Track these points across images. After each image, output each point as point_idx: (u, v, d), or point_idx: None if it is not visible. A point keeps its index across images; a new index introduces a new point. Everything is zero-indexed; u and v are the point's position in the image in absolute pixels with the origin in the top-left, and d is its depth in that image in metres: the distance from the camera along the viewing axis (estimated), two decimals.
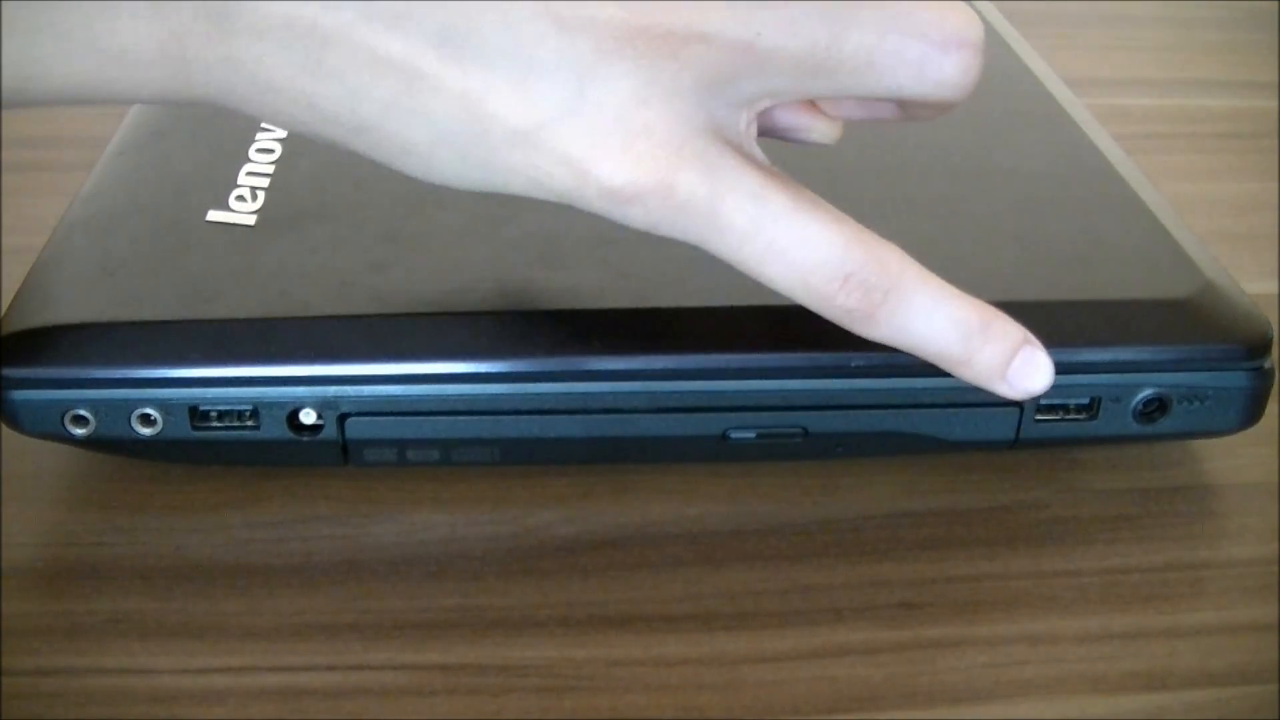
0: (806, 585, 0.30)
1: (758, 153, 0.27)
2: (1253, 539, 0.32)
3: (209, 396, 0.30)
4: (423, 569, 0.30)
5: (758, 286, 0.30)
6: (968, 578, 0.30)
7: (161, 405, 0.30)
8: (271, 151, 0.36)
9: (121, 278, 0.31)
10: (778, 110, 0.29)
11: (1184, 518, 0.32)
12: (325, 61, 0.24)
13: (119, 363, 0.29)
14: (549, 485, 0.33)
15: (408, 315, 0.30)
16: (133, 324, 0.30)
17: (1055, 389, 0.29)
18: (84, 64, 0.25)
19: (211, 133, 0.37)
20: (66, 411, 0.30)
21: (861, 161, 0.35)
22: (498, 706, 0.27)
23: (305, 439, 0.31)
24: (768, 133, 0.29)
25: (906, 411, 0.31)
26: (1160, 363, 0.31)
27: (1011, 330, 0.28)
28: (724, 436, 0.31)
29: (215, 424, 0.30)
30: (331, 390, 0.30)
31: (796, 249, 0.26)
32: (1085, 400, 0.31)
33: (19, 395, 0.30)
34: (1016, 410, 0.31)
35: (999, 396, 0.30)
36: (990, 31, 0.45)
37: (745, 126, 0.27)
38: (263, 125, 0.37)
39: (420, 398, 0.30)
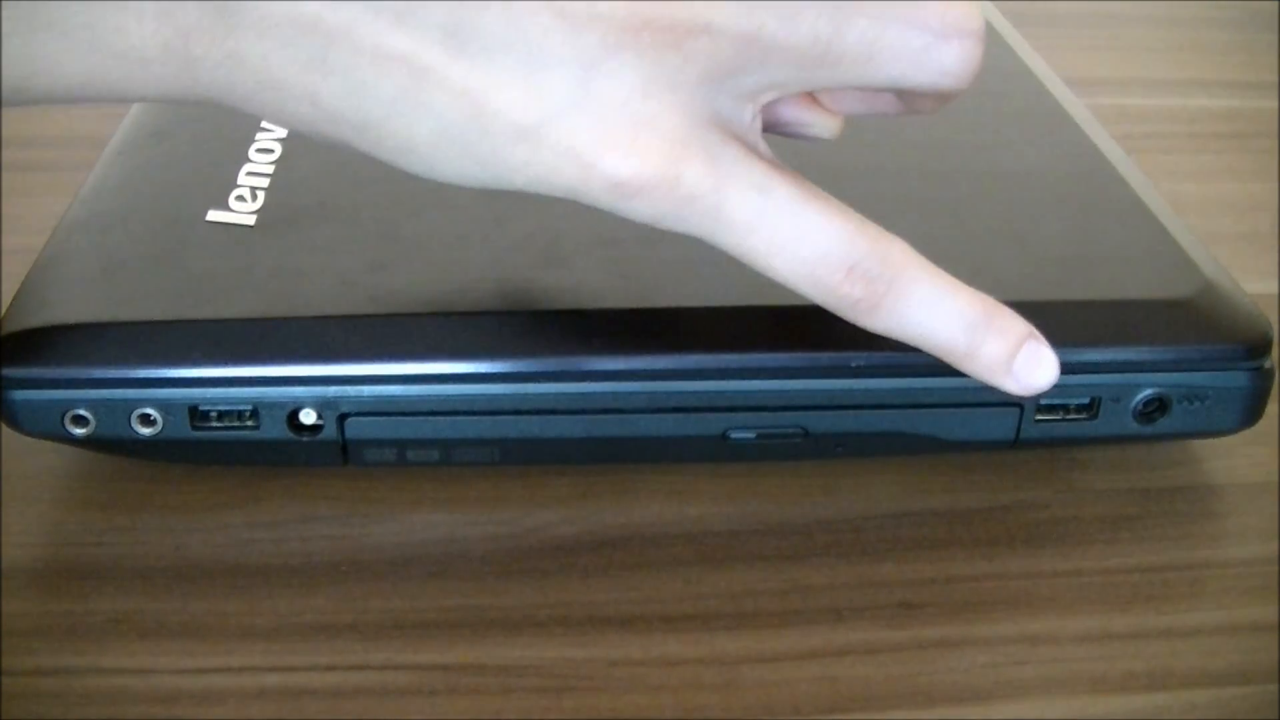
0: (806, 585, 0.30)
1: (762, 146, 0.27)
2: (1253, 539, 0.32)
3: (209, 396, 0.30)
4: (423, 569, 0.30)
5: (758, 286, 0.30)
6: (968, 578, 0.30)
7: (161, 405, 0.30)
8: (271, 151, 0.36)
9: (121, 278, 0.31)
10: (779, 105, 0.29)
11: (1184, 518, 0.32)
12: (329, 58, 0.25)
13: (119, 363, 0.29)
14: (549, 485, 0.33)
15: (408, 315, 0.30)
16: (133, 324, 0.30)
17: (1055, 389, 0.29)
18: (88, 61, 0.25)
19: (211, 133, 0.37)
20: (66, 411, 0.30)
21: (861, 161, 0.35)
22: (498, 706, 0.27)
23: (305, 439, 0.31)
24: (769, 129, 0.29)
25: (906, 411, 0.31)
26: (1160, 363, 0.31)
27: (1016, 324, 0.28)
28: (724, 436, 0.31)
29: (215, 424, 0.30)
30: (331, 390, 0.30)
31: (802, 240, 0.26)
32: (1085, 400, 0.31)
33: (19, 395, 0.30)
34: (1016, 410, 0.31)
35: (1001, 396, 0.30)
36: (990, 31, 0.45)
37: (750, 120, 0.27)
38: (263, 125, 0.37)
39: (420, 398, 0.30)
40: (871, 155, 0.36)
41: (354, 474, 0.32)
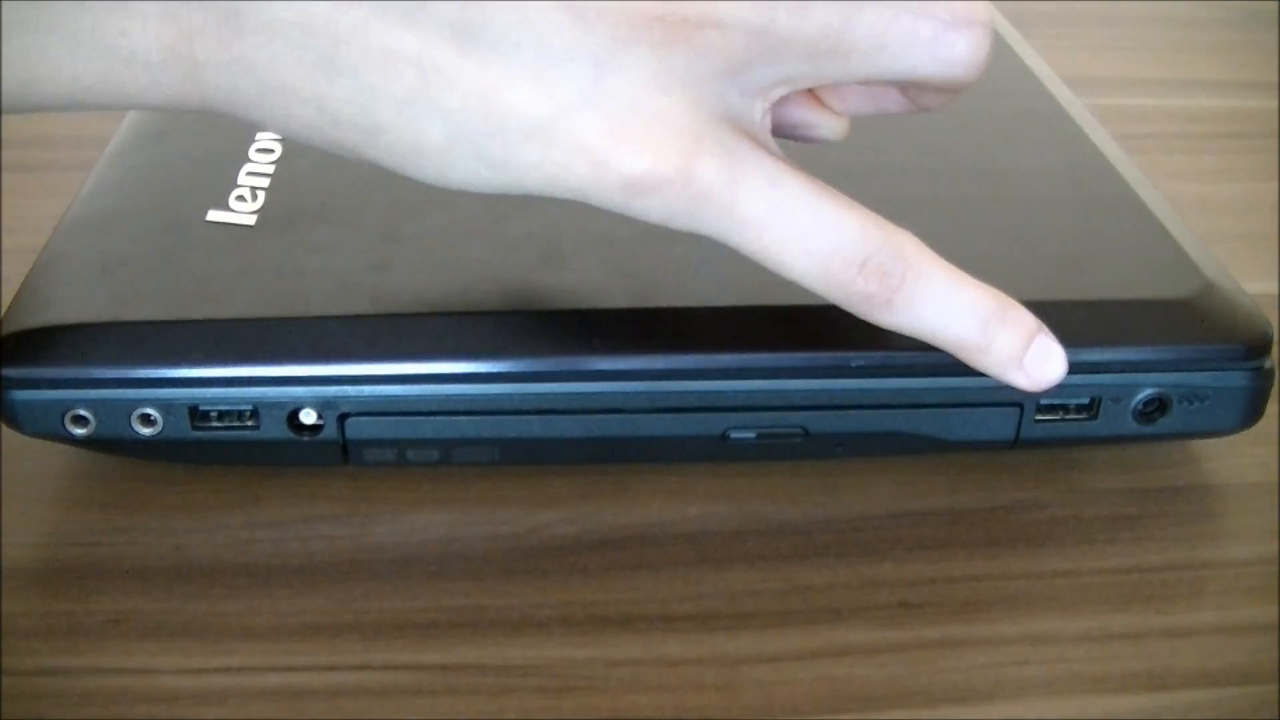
0: (806, 585, 0.30)
1: (772, 143, 0.27)
2: (1253, 539, 0.32)
3: (209, 396, 0.30)
4: (423, 569, 0.30)
5: (758, 286, 0.30)
6: (968, 578, 0.30)
7: (161, 405, 0.30)
8: (271, 151, 0.36)
9: (121, 278, 0.31)
10: (786, 107, 0.29)
11: (1184, 518, 0.32)
12: (338, 60, 0.24)
13: (119, 363, 0.29)
14: (549, 485, 0.33)
15: (408, 315, 0.30)
16: (133, 324, 0.30)
17: (1055, 389, 0.29)
18: (92, 65, 0.24)
19: (211, 133, 0.37)
20: (66, 411, 0.30)
21: (862, 162, 0.35)
22: (498, 706, 0.27)
23: (305, 439, 0.31)
24: (776, 132, 0.29)
25: (906, 411, 0.31)
26: (1160, 363, 0.31)
27: (1026, 318, 0.28)
28: (724, 436, 0.31)
29: (215, 424, 0.30)
30: (331, 390, 0.30)
31: (815, 234, 0.26)
32: (1085, 400, 0.31)
33: (19, 395, 0.30)
34: (1016, 410, 0.31)
35: (1001, 396, 0.30)
36: None
37: (760, 117, 0.27)
38: (265, 129, 0.37)
39: (420, 398, 0.30)
40: (872, 156, 0.36)
41: (354, 474, 0.32)
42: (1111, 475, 0.33)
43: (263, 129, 0.25)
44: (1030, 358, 0.28)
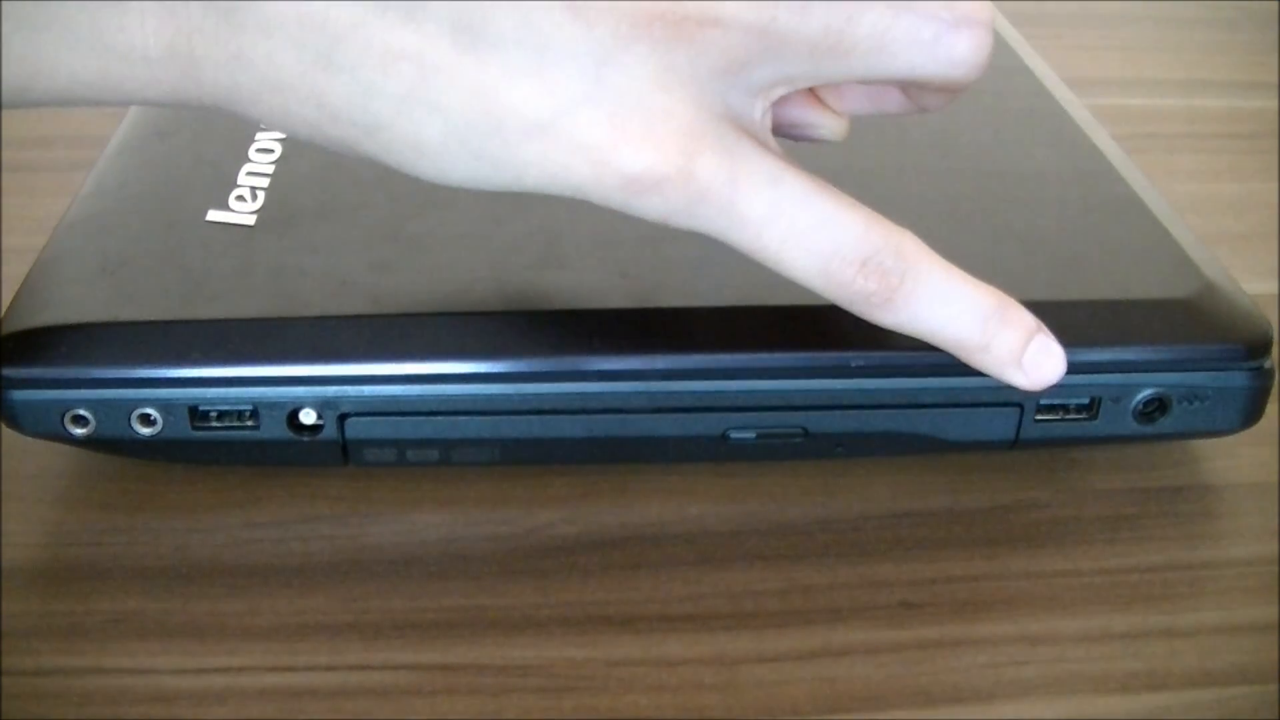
0: (806, 585, 0.30)
1: (772, 142, 0.27)
2: (1253, 539, 0.32)
3: (209, 396, 0.30)
4: (423, 569, 0.30)
5: (758, 286, 0.30)
6: (968, 578, 0.30)
7: (161, 405, 0.30)
8: (271, 151, 0.36)
9: (121, 278, 0.31)
10: (786, 107, 0.29)
11: (1184, 518, 0.32)
12: (337, 57, 0.24)
13: (119, 363, 0.29)
14: (549, 485, 0.33)
15: (408, 315, 0.30)
16: (133, 324, 0.30)
17: (1055, 389, 0.29)
18: (91, 61, 0.24)
19: (211, 133, 0.37)
20: (66, 411, 0.30)
21: (862, 162, 0.35)
22: (498, 706, 0.27)
23: (305, 439, 0.31)
24: (776, 132, 0.29)
25: (906, 411, 0.31)
26: (1160, 363, 0.31)
27: (1026, 317, 0.28)
28: (724, 436, 0.31)
29: (215, 424, 0.30)
30: (331, 390, 0.30)
31: (815, 232, 0.26)
32: (1085, 400, 0.31)
33: (19, 395, 0.30)
34: (1016, 410, 0.31)
35: (1001, 396, 0.30)
36: None
37: (760, 116, 0.27)
38: (262, 125, 0.37)
39: (420, 398, 0.30)
40: (872, 156, 0.36)
41: (354, 474, 0.32)
42: (1111, 475, 0.33)
43: (261, 125, 0.25)
44: (1029, 357, 0.28)
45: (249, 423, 0.30)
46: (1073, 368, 0.29)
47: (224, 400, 0.30)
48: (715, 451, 0.32)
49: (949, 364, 0.29)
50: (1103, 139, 0.39)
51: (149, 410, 0.30)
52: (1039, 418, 0.31)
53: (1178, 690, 0.28)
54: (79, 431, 0.30)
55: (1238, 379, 0.31)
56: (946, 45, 0.26)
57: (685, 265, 0.32)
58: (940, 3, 0.25)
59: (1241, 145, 0.51)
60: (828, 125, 0.30)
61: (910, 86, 0.28)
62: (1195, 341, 0.31)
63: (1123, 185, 0.36)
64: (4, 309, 0.31)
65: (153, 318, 0.30)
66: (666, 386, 0.30)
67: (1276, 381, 0.32)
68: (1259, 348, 0.31)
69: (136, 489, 0.32)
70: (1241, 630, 0.29)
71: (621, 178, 0.25)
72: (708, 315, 0.31)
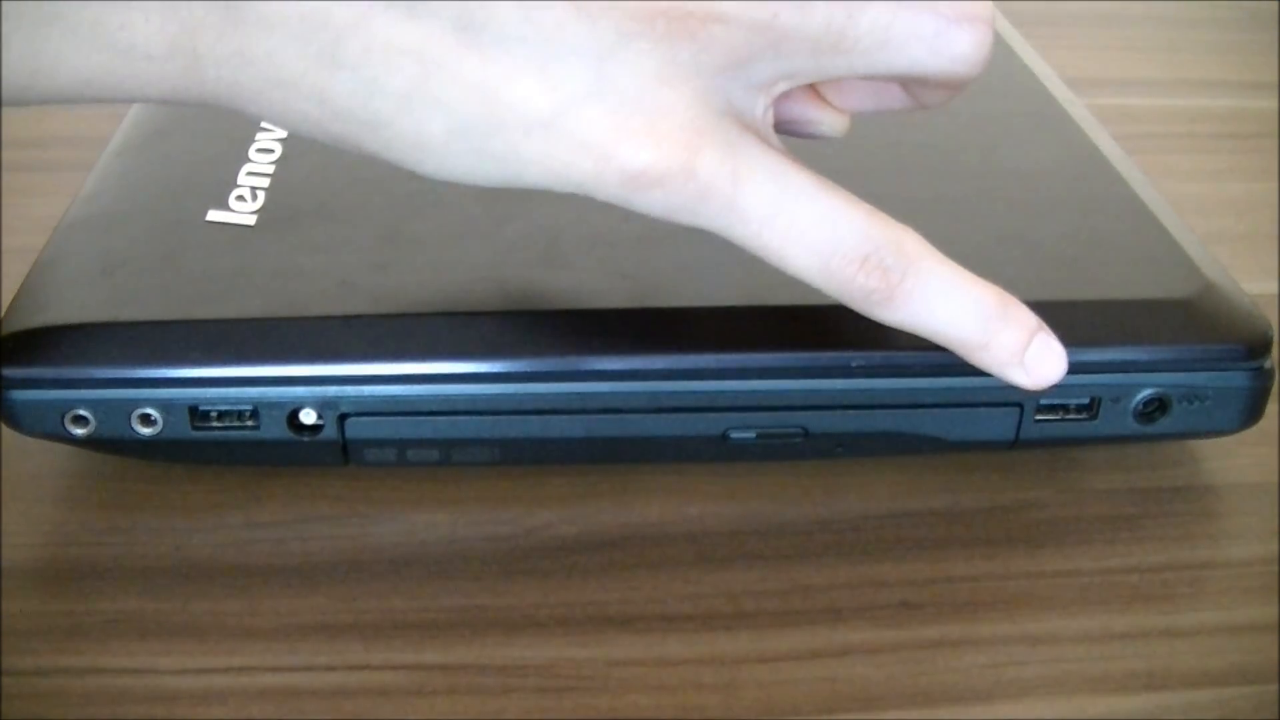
0: (806, 585, 0.30)
1: (774, 138, 0.27)
2: (1253, 539, 0.32)
3: (209, 396, 0.30)
4: (423, 569, 0.30)
5: (758, 286, 0.30)
6: (967, 578, 0.30)
7: (161, 405, 0.30)
8: (271, 151, 0.36)
9: (121, 278, 0.31)
10: (788, 103, 0.29)
11: (1184, 518, 0.32)
12: (340, 53, 0.24)
13: (119, 363, 0.29)
14: (549, 485, 0.33)
15: (408, 315, 0.30)
16: (133, 324, 0.30)
17: (1055, 389, 0.29)
18: (93, 59, 0.24)
19: (211, 133, 0.37)
20: (66, 411, 0.30)
21: (862, 162, 0.35)
22: (498, 706, 0.27)
23: (305, 439, 0.31)
24: (777, 126, 0.29)
25: (906, 411, 0.31)
26: (1160, 363, 0.31)
27: (1027, 316, 0.28)
28: (724, 436, 0.31)
29: (215, 424, 0.30)
30: (331, 390, 0.30)
31: (817, 228, 0.26)
32: (1085, 400, 0.31)
33: (19, 395, 0.30)
34: (1016, 410, 0.31)
35: (1001, 396, 0.30)
36: None
37: (763, 112, 0.27)
38: (263, 125, 0.37)
39: (420, 398, 0.30)
40: (872, 155, 0.36)
41: (354, 474, 0.32)
42: (1111, 475, 0.33)
43: (264, 122, 0.25)
44: (1031, 355, 0.28)
45: (249, 423, 0.30)
46: (1073, 368, 0.29)
47: (224, 400, 0.30)
48: (715, 451, 0.32)
49: (949, 364, 0.29)
50: (1103, 139, 0.39)
51: (149, 410, 0.30)
52: (1039, 418, 0.31)
53: (1178, 690, 0.28)
54: (79, 431, 0.30)
55: (1238, 379, 0.31)
56: (947, 41, 0.26)
57: (685, 265, 0.32)
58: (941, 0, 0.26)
59: (1241, 145, 0.51)
60: (829, 122, 0.30)
61: (911, 83, 0.28)
62: (1195, 341, 0.31)
63: (1123, 185, 0.36)
64: (4, 309, 0.31)
65: (153, 318, 0.30)
66: (666, 386, 0.30)
67: (1276, 381, 0.32)
68: (1259, 348, 0.31)
69: (136, 489, 0.32)
70: (1241, 630, 0.29)
71: (624, 174, 0.25)
72: (708, 315, 0.31)
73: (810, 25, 0.25)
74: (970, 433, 0.31)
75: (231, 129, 0.37)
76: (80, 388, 0.30)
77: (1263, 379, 0.31)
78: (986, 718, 0.27)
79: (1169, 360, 0.31)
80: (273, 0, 0.24)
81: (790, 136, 0.30)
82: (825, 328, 0.30)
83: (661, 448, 0.32)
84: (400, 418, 0.30)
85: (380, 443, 0.31)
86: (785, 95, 0.28)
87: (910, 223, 0.28)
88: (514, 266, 0.32)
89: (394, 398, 0.30)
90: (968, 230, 0.34)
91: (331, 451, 0.31)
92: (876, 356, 0.30)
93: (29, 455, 0.32)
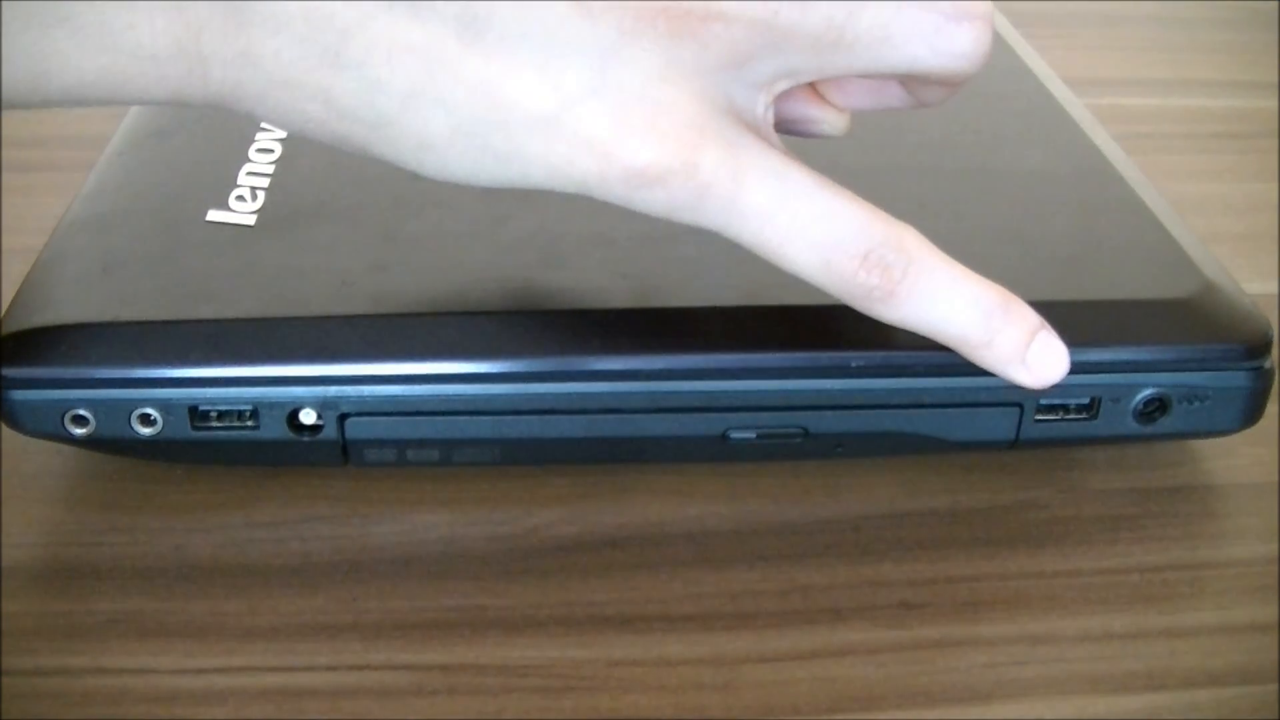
0: (806, 585, 0.30)
1: (774, 136, 0.27)
2: (1253, 539, 0.32)
3: (209, 396, 0.30)
4: (423, 569, 0.30)
5: (758, 286, 0.30)
6: (968, 578, 0.30)
7: (161, 405, 0.30)
8: (271, 151, 0.36)
9: (121, 278, 0.31)
10: (788, 101, 0.29)
11: (1184, 518, 0.32)
12: (344, 53, 0.24)
13: (119, 363, 0.29)
14: (549, 485, 0.33)
15: (408, 315, 0.30)
16: (133, 324, 0.30)
17: (1055, 389, 0.29)
18: (99, 59, 0.24)
19: (211, 133, 0.37)
20: (66, 411, 0.30)
21: (863, 162, 0.35)
22: (498, 706, 0.27)
23: (305, 439, 0.31)
24: (777, 125, 0.29)
25: (906, 411, 0.31)
26: (1160, 363, 0.31)
27: (1029, 314, 0.28)
28: (724, 436, 0.31)
29: (215, 424, 0.30)
30: (331, 390, 0.30)
31: (818, 225, 0.26)
32: (1085, 400, 0.31)
33: (19, 395, 0.30)
34: (1016, 410, 0.31)
35: (1001, 396, 0.30)
36: None
37: (763, 110, 0.27)
38: (263, 125, 0.37)
39: (420, 398, 0.30)
40: (873, 155, 0.36)
41: (354, 474, 0.32)
42: (1111, 475, 0.33)
43: (267, 123, 0.25)
44: (1033, 354, 0.28)
45: (249, 423, 0.30)
46: (1073, 368, 0.29)
47: (224, 400, 0.30)
48: (715, 451, 0.32)
49: (949, 364, 0.29)
50: (1103, 139, 0.39)
51: (149, 410, 0.30)
52: (1039, 418, 0.31)
53: (1178, 690, 0.28)
54: (79, 431, 0.30)
55: (1238, 379, 0.31)
56: (947, 38, 0.26)
57: (685, 265, 0.32)
58: None
59: (1241, 145, 0.51)
60: (829, 120, 0.30)
61: (911, 80, 0.28)
62: (1195, 341, 0.31)
63: (1123, 185, 0.36)
64: (4, 309, 0.31)
65: (153, 318, 0.30)
66: (666, 386, 0.30)
67: (1276, 381, 0.32)
68: (1259, 348, 0.31)
69: (136, 489, 0.32)
70: (1241, 630, 0.29)
71: (625, 171, 0.25)
72: (708, 315, 0.31)
73: (811, 23, 0.25)
74: (970, 433, 0.31)
75: (231, 129, 0.37)
76: (80, 388, 0.30)
77: (1263, 379, 0.31)
78: (986, 718, 0.27)
79: (1169, 360, 0.31)
80: (277, 1, 0.24)
81: (791, 135, 0.30)
82: (825, 328, 0.30)
83: (661, 448, 0.32)
84: (400, 418, 0.30)
85: (380, 443, 0.31)
86: (785, 94, 0.28)
87: (910, 222, 0.28)
88: (514, 266, 0.32)
89: (394, 398, 0.30)
90: (967, 230, 0.34)
91: (331, 451, 0.31)
92: (876, 356, 0.30)
93: (29, 455, 0.32)
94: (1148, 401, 0.31)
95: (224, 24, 0.24)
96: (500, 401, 0.30)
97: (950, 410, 0.31)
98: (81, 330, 0.30)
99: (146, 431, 0.30)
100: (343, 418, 0.30)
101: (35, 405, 0.30)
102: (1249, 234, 0.45)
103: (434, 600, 0.29)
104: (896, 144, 0.37)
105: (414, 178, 0.27)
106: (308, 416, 0.30)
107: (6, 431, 0.31)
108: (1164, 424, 0.32)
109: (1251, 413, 0.32)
